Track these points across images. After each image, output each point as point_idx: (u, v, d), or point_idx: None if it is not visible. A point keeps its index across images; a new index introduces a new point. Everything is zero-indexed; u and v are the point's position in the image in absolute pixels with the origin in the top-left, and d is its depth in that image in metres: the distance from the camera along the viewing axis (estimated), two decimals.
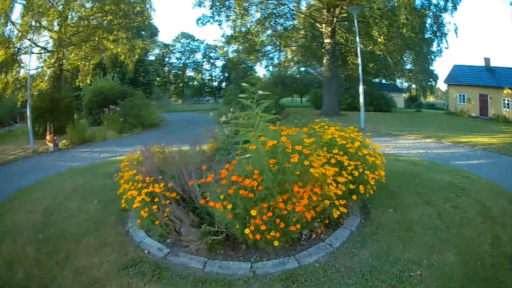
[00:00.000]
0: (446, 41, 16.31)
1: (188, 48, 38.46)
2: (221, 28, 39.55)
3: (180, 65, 38.77)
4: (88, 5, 13.68)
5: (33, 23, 11.70)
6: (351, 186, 3.17)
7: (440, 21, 15.74)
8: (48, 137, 9.47)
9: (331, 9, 15.32)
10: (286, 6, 17.20)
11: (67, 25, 13.11)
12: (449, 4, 15.23)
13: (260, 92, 3.00)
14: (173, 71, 39.15)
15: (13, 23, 12.21)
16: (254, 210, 2.48)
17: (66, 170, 6.37)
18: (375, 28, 13.73)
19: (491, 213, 3.53)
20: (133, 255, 2.88)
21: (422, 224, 3.25)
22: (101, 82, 14.99)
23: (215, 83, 39.20)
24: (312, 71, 28.75)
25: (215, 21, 17.29)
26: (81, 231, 3.42)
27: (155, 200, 3.06)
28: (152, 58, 33.62)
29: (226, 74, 37.34)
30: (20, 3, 12.12)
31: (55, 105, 11.99)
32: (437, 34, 16.22)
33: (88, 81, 15.82)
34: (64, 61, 14.19)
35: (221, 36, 22.37)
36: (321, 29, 16.48)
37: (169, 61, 38.42)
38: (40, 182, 5.56)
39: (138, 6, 14.42)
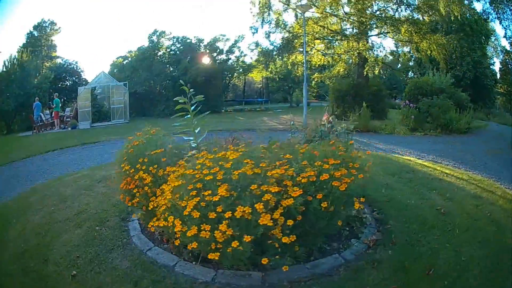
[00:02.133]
0: None
1: None
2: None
3: None
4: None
5: (300, 14, 13.20)
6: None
7: None
8: (324, 117, 9.94)
9: None
10: None
11: (363, 15, 12.94)
12: None
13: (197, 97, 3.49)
14: None
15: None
16: None
17: None
18: None
19: None
20: None
21: None
22: (431, 78, 14.41)
23: None
24: None
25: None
26: None
27: None
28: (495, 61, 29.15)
29: None
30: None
31: (358, 90, 12.81)
32: None
33: (376, 72, 15.72)
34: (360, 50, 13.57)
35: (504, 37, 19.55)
36: None
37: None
38: None
39: None
